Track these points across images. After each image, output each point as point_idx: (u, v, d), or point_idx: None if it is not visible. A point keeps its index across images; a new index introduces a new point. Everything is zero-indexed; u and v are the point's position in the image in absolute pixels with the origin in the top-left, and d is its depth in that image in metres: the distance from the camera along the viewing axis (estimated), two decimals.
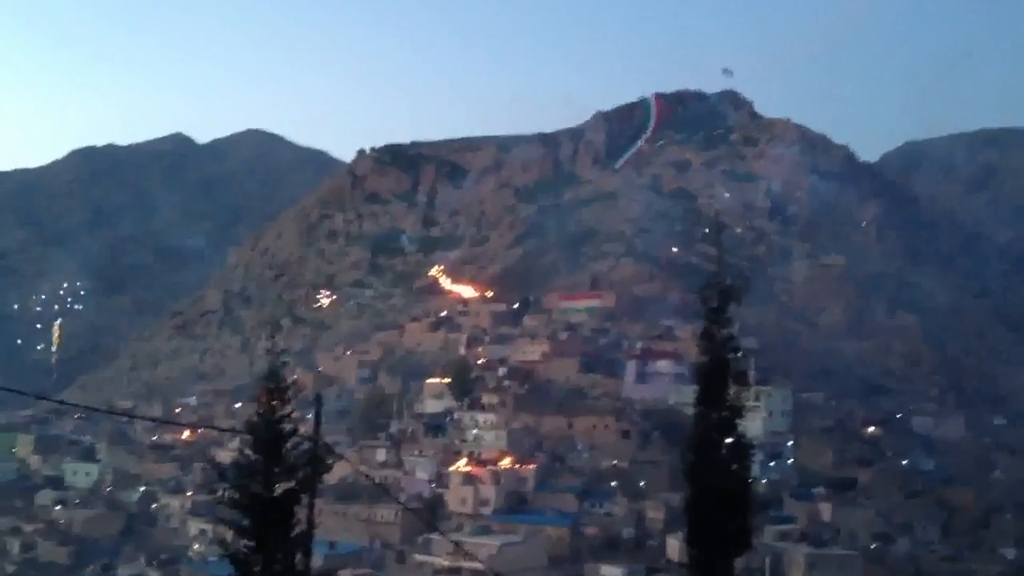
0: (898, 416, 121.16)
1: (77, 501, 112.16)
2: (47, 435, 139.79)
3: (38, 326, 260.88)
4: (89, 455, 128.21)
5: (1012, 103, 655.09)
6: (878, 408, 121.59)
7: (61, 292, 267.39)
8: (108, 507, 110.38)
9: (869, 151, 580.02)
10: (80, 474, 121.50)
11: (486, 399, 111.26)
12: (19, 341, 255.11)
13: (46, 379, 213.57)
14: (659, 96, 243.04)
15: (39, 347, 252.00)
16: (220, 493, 18.12)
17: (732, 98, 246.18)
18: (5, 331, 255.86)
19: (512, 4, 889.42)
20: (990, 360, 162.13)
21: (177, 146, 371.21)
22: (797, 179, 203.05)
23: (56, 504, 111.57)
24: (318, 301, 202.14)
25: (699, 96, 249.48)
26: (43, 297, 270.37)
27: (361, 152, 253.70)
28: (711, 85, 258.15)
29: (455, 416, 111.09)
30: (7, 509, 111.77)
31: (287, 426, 17.98)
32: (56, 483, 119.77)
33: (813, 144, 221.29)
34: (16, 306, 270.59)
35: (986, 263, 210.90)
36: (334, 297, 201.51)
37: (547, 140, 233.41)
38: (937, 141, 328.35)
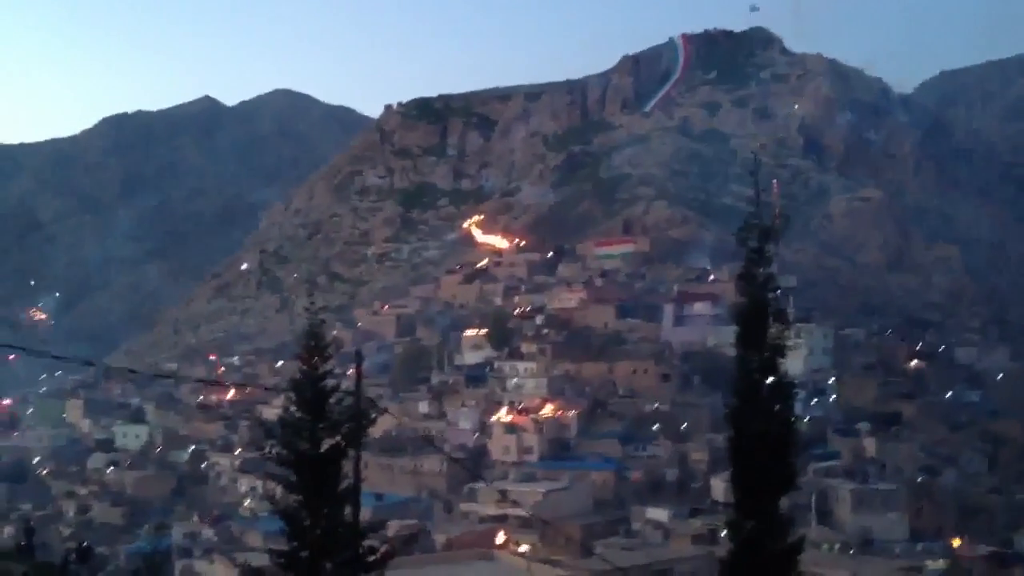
0: (941, 349, 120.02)
1: (128, 463, 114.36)
2: (96, 399, 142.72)
3: (82, 293, 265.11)
4: (138, 417, 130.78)
5: None
6: (921, 342, 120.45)
7: (103, 259, 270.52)
8: (159, 467, 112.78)
9: (903, 83, 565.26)
10: (130, 436, 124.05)
11: (525, 348, 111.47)
12: (64, 309, 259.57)
13: (92, 345, 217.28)
14: (686, 37, 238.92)
15: (84, 313, 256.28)
16: (268, 450, 18.43)
17: (761, 35, 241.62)
18: (49, 299, 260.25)
19: None
20: None
21: (206, 109, 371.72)
22: (830, 114, 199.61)
23: (108, 466, 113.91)
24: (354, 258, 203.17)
25: (727, 35, 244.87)
26: (85, 265, 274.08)
27: (388, 107, 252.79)
28: (739, 23, 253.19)
29: (495, 366, 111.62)
30: (61, 473, 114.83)
31: (329, 382, 18.18)
32: (107, 446, 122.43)
33: (846, 78, 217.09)
34: (58, 275, 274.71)
35: None
36: (370, 253, 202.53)
37: (575, 87, 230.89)
38: (973, 70, 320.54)
